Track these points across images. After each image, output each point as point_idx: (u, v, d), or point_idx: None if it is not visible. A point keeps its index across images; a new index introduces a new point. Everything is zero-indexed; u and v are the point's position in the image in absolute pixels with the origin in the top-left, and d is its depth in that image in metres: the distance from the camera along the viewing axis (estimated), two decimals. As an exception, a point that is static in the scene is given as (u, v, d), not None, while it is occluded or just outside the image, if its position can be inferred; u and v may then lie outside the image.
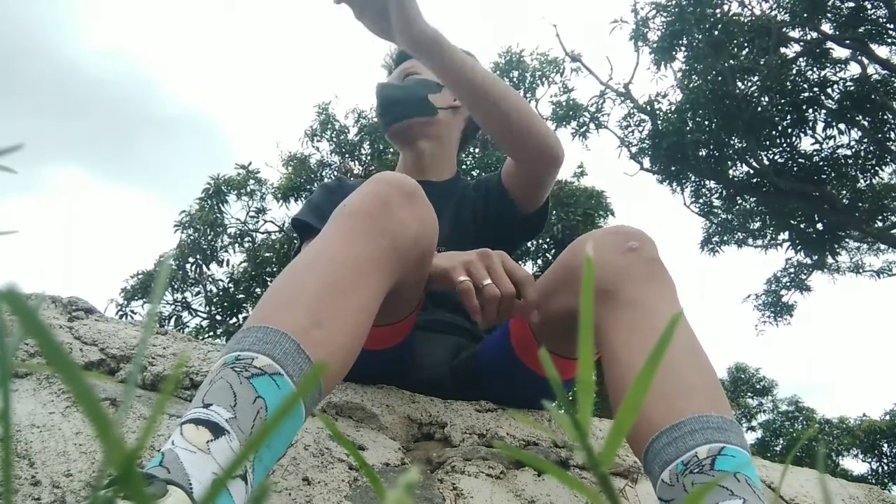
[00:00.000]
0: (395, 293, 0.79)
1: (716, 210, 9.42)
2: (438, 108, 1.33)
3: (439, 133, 1.36)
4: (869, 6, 7.57)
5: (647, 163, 8.88)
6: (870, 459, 12.36)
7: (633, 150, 9.12)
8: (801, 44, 8.09)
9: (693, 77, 8.36)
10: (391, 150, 8.37)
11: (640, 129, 9.11)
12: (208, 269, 8.47)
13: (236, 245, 8.57)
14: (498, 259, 0.90)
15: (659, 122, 8.46)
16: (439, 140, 1.36)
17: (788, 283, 9.90)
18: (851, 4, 7.55)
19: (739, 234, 9.47)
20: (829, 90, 7.86)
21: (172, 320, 8.30)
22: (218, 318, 8.33)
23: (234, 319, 8.33)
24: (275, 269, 8.08)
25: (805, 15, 7.51)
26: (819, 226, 8.10)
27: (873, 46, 7.56)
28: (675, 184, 8.96)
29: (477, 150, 8.19)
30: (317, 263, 0.68)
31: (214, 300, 8.40)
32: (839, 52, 7.98)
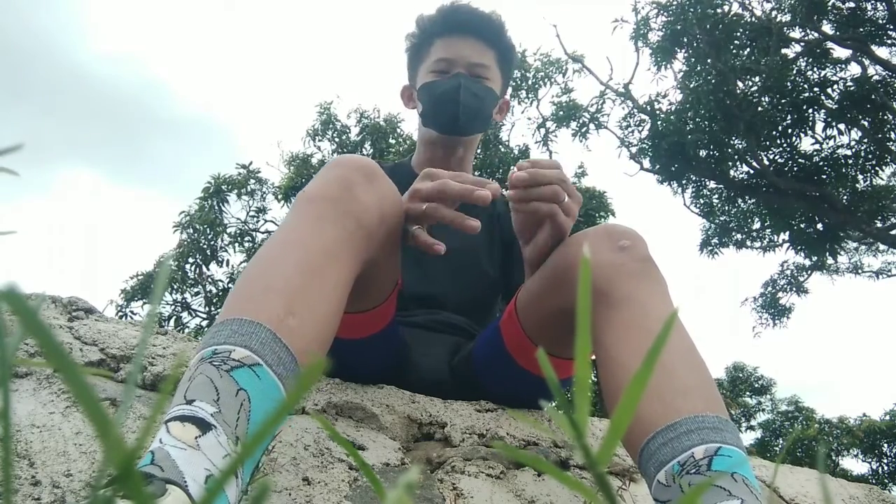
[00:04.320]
0: (368, 275, 0.79)
1: (716, 210, 9.43)
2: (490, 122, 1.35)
3: (476, 142, 1.38)
4: (869, 7, 7.58)
5: (647, 163, 8.89)
6: (870, 459, 12.36)
7: (633, 150, 9.12)
8: (802, 44, 8.09)
9: (693, 77, 8.36)
10: (392, 150, 8.37)
11: (640, 129, 9.12)
12: (208, 269, 8.47)
13: (236, 245, 8.57)
14: (422, 182, 0.87)
15: (659, 122, 8.46)
16: (472, 146, 1.37)
17: (785, 286, 9.90)
18: (851, 5, 7.55)
19: (738, 235, 9.47)
20: (829, 90, 7.86)
21: (172, 321, 8.31)
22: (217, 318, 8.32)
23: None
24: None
25: (805, 14, 7.51)
26: (819, 226, 8.10)
27: (873, 47, 7.56)
28: (675, 184, 8.96)
29: (479, 150, 8.19)
30: (285, 251, 0.68)
31: (214, 300, 8.40)
32: (839, 53, 7.99)
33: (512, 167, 0.92)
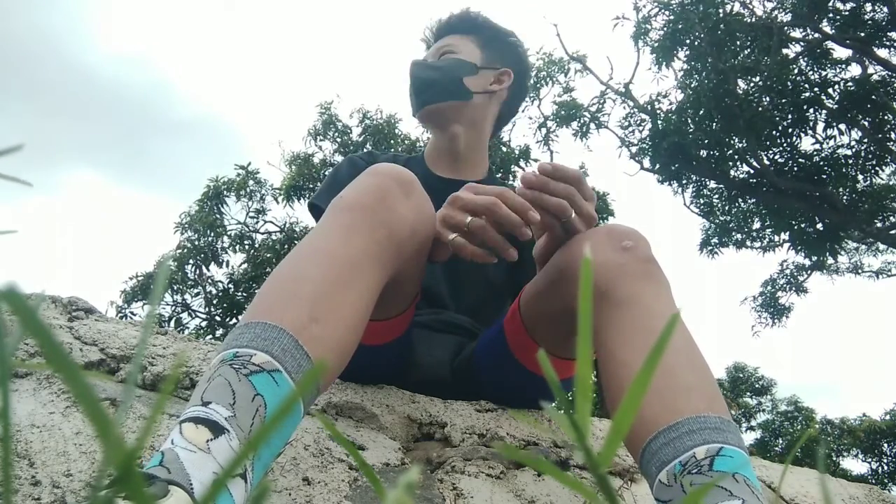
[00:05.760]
0: (393, 286, 0.79)
1: (716, 210, 9.43)
2: (474, 93, 1.30)
3: (474, 118, 1.32)
4: (869, 7, 7.57)
5: (647, 163, 8.89)
6: (870, 459, 12.36)
7: (634, 150, 9.12)
8: (803, 44, 8.09)
9: (694, 76, 8.36)
10: (392, 151, 8.36)
11: (641, 129, 9.12)
12: (208, 270, 8.47)
13: (236, 246, 8.57)
14: (467, 193, 0.86)
15: (659, 121, 8.46)
16: (473, 125, 1.33)
17: (785, 285, 9.90)
18: (852, 5, 7.55)
19: (738, 235, 9.47)
20: (829, 90, 7.85)
21: (172, 322, 8.30)
22: (218, 319, 8.33)
23: (234, 321, 8.32)
24: (275, 270, 8.06)
25: (806, 14, 7.51)
26: (819, 226, 8.10)
27: (874, 47, 7.56)
28: (675, 184, 8.96)
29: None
30: (314, 258, 0.68)
31: (214, 301, 8.40)
32: (840, 53, 7.99)
33: (532, 165, 0.88)
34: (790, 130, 7.98)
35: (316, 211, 1.16)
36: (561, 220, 0.85)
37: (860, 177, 8.03)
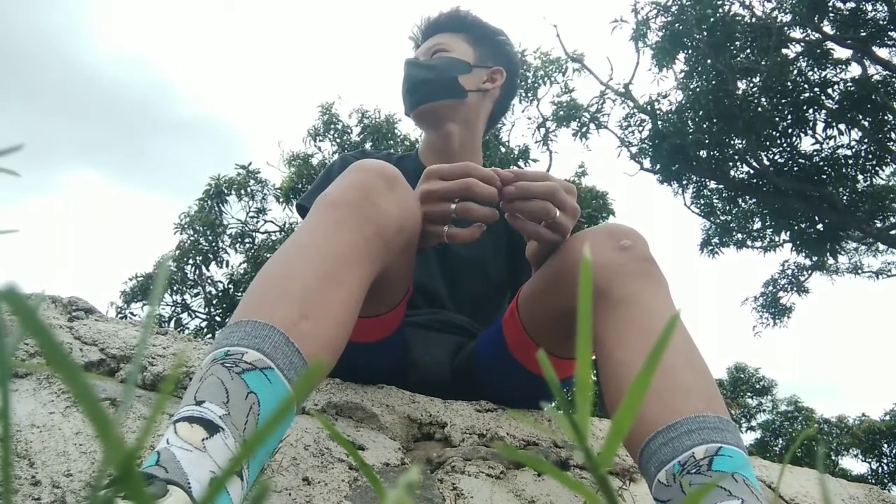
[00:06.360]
0: (382, 282, 0.79)
1: (717, 211, 9.43)
2: (469, 91, 1.30)
3: (467, 116, 1.32)
4: (869, 7, 7.58)
5: (647, 163, 8.89)
6: (870, 459, 12.36)
7: (634, 150, 9.12)
8: (802, 44, 8.09)
9: (694, 77, 8.36)
10: (393, 151, 8.36)
11: (641, 129, 9.12)
12: (208, 270, 8.47)
13: (237, 245, 8.57)
14: (437, 183, 0.87)
15: (659, 122, 8.46)
16: (467, 124, 1.33)
17: (786, 285, 9.90)
18: (852, 5, 7.55)
19: (739, 235, 9.47)
20: (829, 90, 7.86)
21: (172, 322, 8.30)
22: (217, 319, 8.33)
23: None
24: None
25: (805, 14, 7.51)
26: (819, 226, 8.10)
27: (874, 48, 7.56)
28: (675, 184, 8.97)
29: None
30: (302, 255, 0.68)
31: (214, 302, 8.40)
32: (840, 53, 7.99)
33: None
34: (790, 131, 7.98)
35: (303, 212, 1.16)
36: (547, 221, 0.86)
37: (860, 177, 8.03)
